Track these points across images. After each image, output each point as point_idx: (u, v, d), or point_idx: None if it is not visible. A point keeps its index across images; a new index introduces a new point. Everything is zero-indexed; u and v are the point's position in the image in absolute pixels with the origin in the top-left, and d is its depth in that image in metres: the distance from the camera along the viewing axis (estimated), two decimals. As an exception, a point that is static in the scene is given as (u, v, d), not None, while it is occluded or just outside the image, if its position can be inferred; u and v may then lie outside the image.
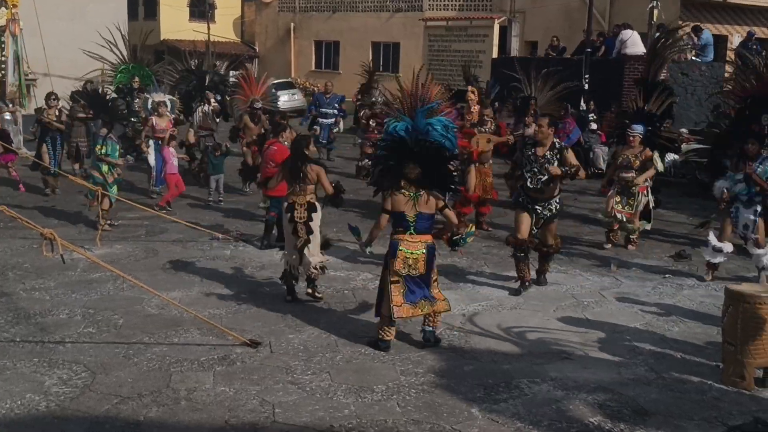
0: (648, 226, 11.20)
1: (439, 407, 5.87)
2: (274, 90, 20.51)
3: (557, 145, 8.65)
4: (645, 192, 10.93)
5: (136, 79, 17.14)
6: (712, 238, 9.32)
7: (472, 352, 7.02)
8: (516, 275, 8.87)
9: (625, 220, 10.76)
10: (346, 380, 6.33)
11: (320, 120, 19.17)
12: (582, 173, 8.75)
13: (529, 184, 8.59)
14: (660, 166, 11.12)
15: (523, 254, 8.76)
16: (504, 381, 6.37)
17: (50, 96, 14.34)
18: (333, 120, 19.46)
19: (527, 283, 8.82)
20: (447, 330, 7.53)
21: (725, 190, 9.34)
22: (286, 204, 8.29)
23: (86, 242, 10.21)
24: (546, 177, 8.50)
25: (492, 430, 5.57)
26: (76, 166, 15.29)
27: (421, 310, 7.03)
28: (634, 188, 10.73)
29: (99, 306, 8.03)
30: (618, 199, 10.79)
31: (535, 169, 8.55)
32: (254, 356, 6.78)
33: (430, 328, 7.16)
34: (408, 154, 7.15)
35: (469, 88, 14.66)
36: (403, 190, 7.06)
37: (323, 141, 18.49)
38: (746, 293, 6.35)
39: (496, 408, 5.88)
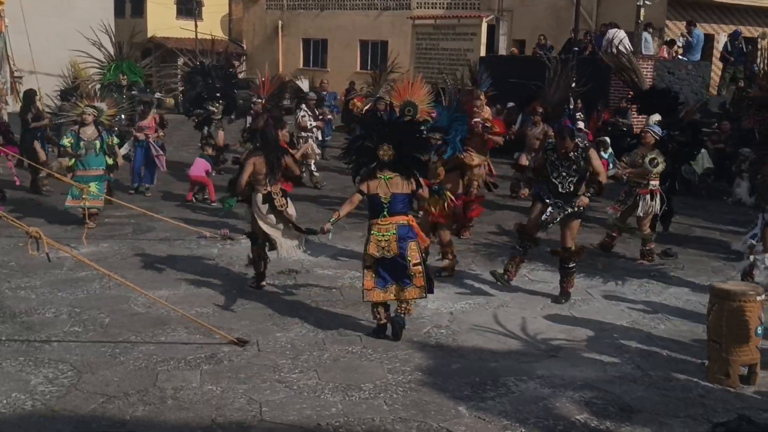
0: (657, 232, 10.59)
1: (427, 405, 5.88)
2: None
3: (581, 145, 8.46)
4: (647, 195, 10.18)
5: (124, 76, 17.04)
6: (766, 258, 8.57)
7: (460, 350, 7.04)
8: (504, 268, 8.69)
9: (610, 213, 10.50)
10: (333, 378, 6.33)
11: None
12: (603, 178, 8.56)
13: (561, 189, 8.31)
14: (658, 168, 10.14)
15: (521, 249, 8.63)
16: (491, 379, 6.38)
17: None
18: (330, 117, 19.48)
19: (507, 279, 8.58)
20: (434, 328, 7.54)
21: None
22: (260, 195, 8.30)
23: (72, 240, 10.16)
24: (576, 178, 8.26)
25: (479, 428, 5.58)
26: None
27: (392, 295, 7.13)
28: (636, 189, 10.21)
29: (85, 305, 8.00)
30: (622, 197, 10.43)
31: (564, 173, 8.30)
32: (241, 355, 6.77)
33: (402, 315, 7.22)
34: (383, 135, 7.20)
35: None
36: (377, 173, 7.15)
37: (328, 137, 18.60)
38: (731, 291, 6.39)
39: (483, 406, 5.90)
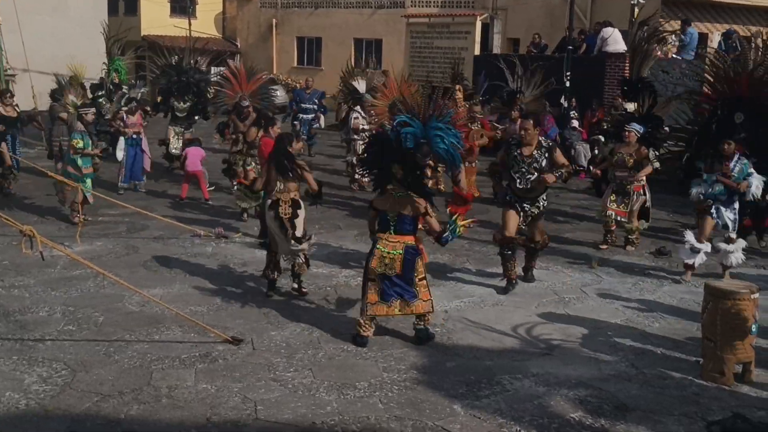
0: (646, 225, 11.08)
1: (422, 404, 5.88)
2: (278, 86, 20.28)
3: (545, 144, 8.60)
4: (641, 191, 10.74)
5: (116, 74, 17.03)
6: (690, 237, 9.19)
7: (455, 349, 7.04)
8: (502, 273, 8.84)
9: (620, 219, 10.64)
10: (328, 377, 6.32)
11: (300, 115, 19.19)
12: (568, 168, 8.69)
13: (518, 185, 8.52)
14: (657, 164, 10.78)
15: (510, 252, 8.72)
16: (486, 377, 6.39)
17: (4, 93, 14.02)
18: (313, 115, 19.46)
19: (514, 282, 8.79)
20: (429, 327, 7.53)
21: (701, 196, 9.20)
22: (269, 201, 8.29)
23: (66, 239, 10.13)
24: (535, 176, 8.44)
25: (474, 426, 5.58)
26: (59, 165, 15.13)
27: (397, 310, 7.06)
28: (629, 187, 10.56)
29: (79, 303, 7.98)
30: (613, 197, 10.66)
31: (523, 169, 8.49)
32: (236, 353, 6.76)
33: (421, 326, 7.19)
34: (394, 154, 7.19)
35: (457, 87, 14.65)
36: (390, 190, 7.14)
37: (303, 136, 18.44)
38: (726, 290, 6.40)
39: (478, 404, 5.90)
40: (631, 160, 10.54)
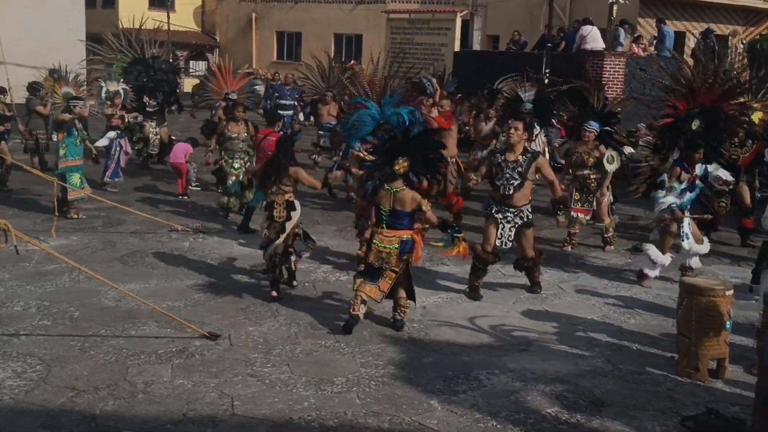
0: (617, 219, 11.14)
1: (399, 399, 5.89)
2: (258, 83, 20.19)
3: (530, 151, 8.49)
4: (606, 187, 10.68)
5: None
6: (653, 251, 8.94)
7: (432, 344, 7.05)
8: (468, 282, 8.59)
9: (583, 218, 10.56)
10: (305, 372, 6.31)
11: (279, 112, 19.06)
12: (557, 189, 8.72)
13: (502, 192, 8.30)
14: (614, 166, 10.53)
15: (482, 268, 8.46)
16: (463, 373, 6.41)
17: (3, 92, 13.88)
18: (292, 111, 19.37)
19: (478, 291, 8.51)
20: (407, 322, 7.51)
21: (674, 208, 8.85)
22: (265, 203, 8.29)
23: (41, 233, 10.04)
24: (518, 182, 8.25)
25: (451, 421, 5.60)
26: (35, 159, 14.98)
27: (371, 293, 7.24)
28: (592, 185, 10.52)
29: (54, 298, 7.91)
30: (577, 197, 10.60)
31: (507, 175, 8.28)
32: (213, 349, 6.73)
33: (399, 318, 7.34)
34: (398, 148, 7.30)
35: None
36: (386, 186, 7.24)
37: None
38: (701, 286, 6.46)
39: (455, 399, 5.92)
40: (591, 159, 10.49)
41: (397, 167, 7.23)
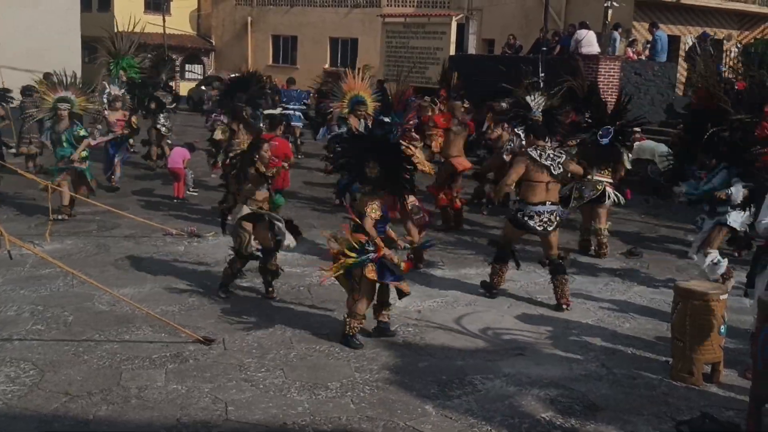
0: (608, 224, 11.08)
1: (393, 404, 5.88)
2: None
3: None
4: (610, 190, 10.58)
5: (121, 72, 16.75)
6: (714, 254, 8.73)
7: (427, 349, 7.04)
8: (489, 280, 8.66)
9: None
10: (300, 377, 6.30)
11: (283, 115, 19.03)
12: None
13: (553, 171, 8.27)
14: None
15: (504, 257, 8.59)
16: (457, 377, 6.40)
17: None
18: (300, 115, 19.29)
19: (495, 290, 8.61)
20: (402, 327, 7.54)
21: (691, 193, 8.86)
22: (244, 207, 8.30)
23: (35, 237, 10.02)
24: (564, 158, 8.37)
25: (445, 426, 5.59)
26: (30, 164, 14.95)
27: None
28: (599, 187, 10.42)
29: (48, 302, 7.88)
30: (577, 195, 10.50)
31: (552, 158, 8.31)
32: (207, 354, 6.71)
33: (386, 322, 7.33)
34: (369, 150, 7.19)
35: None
36: (362, 191, 7.14)
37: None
38: (695, 290, 6.46)
39: (449, 404, 5.91)
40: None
41: (367, 171, 7.12)
